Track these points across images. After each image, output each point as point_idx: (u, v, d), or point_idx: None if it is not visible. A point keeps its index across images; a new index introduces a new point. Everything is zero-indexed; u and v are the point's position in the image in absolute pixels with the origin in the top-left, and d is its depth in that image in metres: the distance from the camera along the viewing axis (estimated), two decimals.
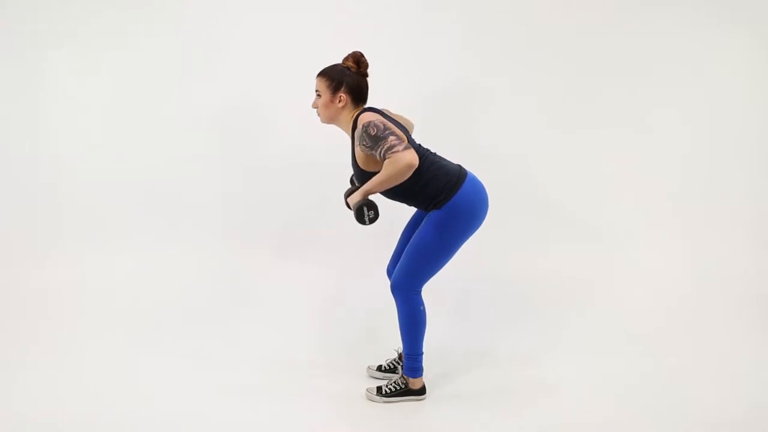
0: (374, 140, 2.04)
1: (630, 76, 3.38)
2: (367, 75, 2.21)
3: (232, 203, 3.47)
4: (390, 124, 2.08)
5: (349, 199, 2.19)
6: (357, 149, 2.15)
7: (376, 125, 2.05)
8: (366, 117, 2.10)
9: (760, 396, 2.32)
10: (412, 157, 2.00)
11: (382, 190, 2.11)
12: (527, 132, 3.42)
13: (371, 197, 2.13)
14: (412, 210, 2.42)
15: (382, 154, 2.03)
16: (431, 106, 3.36)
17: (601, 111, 3.41)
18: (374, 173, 2.12)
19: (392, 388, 2.30)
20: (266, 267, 3.39)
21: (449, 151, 2.36)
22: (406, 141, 2.07)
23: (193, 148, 3.43)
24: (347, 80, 2.16)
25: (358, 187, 2.16)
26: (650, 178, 3.45)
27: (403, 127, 2.22)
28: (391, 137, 2.03)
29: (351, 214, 2.31)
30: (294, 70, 3.25)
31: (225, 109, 3.40)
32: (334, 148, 3.02)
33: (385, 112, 2.24)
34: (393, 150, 2.01)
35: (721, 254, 3.41)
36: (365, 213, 2.11)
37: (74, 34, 3.35)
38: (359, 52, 2.19)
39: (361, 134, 2.07)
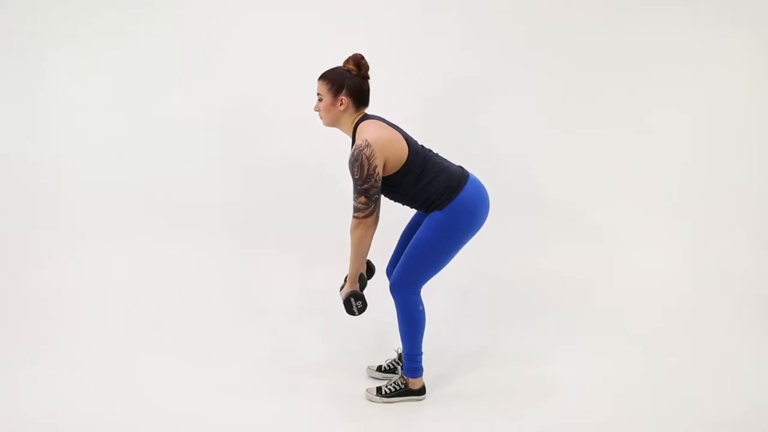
0: (354, 179, 2.08)
1: (630, 76, 3.38)
2: (368, 77, 2.19)
3: (232, 203, 3.47)
4: (372, 171, 2.04)
5: (340, 293, 2.29)
6: None
7: (361, 166, 2.04)
8: (365, 132, 2.09)
9: (760, 396, 2.32)
10: (367, 225, 2.11)
11: (361, 261, 2.18)
12: (527, 132, 3.42)
13: (361, 277, 2.23)
14: (412, 210, 2.42)
15: (352, 201, 2.10)
16: (431, 106, 3.36)
17: (601, 111, 3.41)
18: None
19: (392, 388, 2.30)
20: (266, 267, 3.39)
21: (449, 151, 2.36)
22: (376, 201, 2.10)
23: (193, 148, 3.44)
24: (348, 83, 2.15)
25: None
26: (650, 178, 3.45)
27: (402, 131, 2.21)
28: (362, 197, 2.07)
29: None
30: (294, 70, 3.26)
31: (225, 109, 3.40)
32: (334, 149, 3.02)
33: (385, 119, 2.23)
34: (355, 213, 2.10)
35: (721, 254, 3.41)
36: (353, 304, 2.21)
37: (74, 34, 3.35)
38: (360, 55, 2.17)
39: (351, 157, 2.07)
